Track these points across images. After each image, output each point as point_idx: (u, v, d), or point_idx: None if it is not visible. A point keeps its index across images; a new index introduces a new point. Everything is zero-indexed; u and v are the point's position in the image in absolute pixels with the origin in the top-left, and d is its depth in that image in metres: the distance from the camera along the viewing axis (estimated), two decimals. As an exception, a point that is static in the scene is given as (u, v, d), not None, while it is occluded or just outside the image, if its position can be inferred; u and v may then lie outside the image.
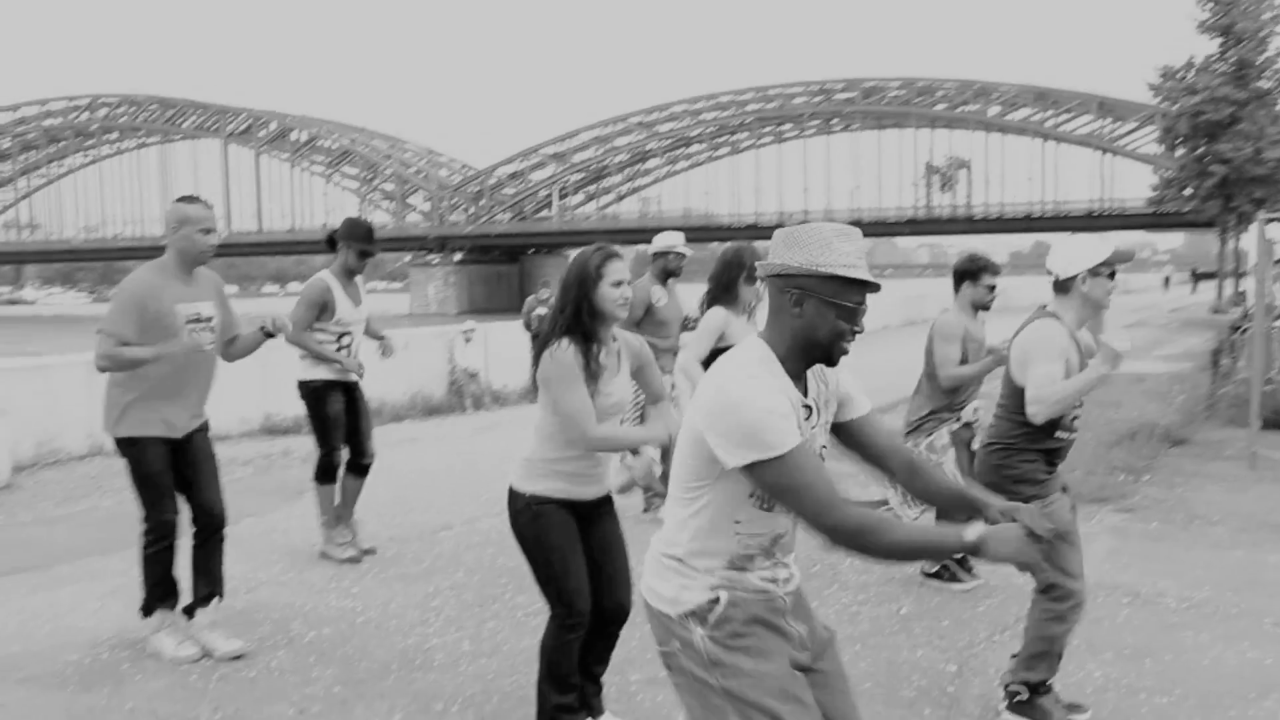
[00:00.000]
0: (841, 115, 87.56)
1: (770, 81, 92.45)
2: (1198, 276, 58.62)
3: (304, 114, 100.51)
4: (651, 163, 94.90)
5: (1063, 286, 4.28)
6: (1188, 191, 39.95)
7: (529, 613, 5.33)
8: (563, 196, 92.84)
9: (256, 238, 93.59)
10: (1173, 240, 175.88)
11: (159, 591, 4.91)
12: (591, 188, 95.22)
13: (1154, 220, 69.21)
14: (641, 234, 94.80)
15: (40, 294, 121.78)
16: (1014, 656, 4.35)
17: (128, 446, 4.83)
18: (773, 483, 2.40)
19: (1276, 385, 11.89)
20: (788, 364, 2.52)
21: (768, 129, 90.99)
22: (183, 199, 4.88)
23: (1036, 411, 4.14)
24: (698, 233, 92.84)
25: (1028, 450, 4.20)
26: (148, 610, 4.92)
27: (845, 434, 2.70)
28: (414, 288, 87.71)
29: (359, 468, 6.58)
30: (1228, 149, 36.92)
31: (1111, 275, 4.25)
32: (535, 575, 3.87)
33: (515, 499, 3.79)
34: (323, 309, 6.30)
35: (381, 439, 11.51)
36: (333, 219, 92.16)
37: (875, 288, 2.48)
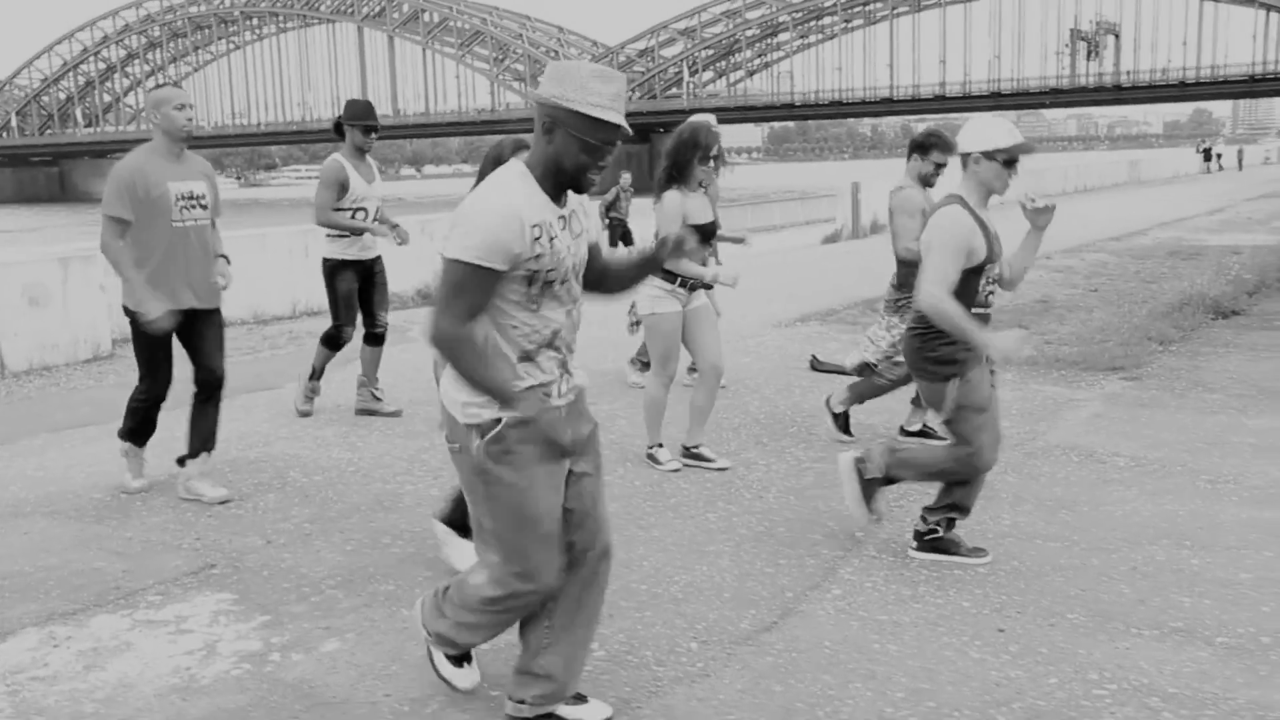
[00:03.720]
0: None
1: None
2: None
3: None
4: (783, 36, 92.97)
5: (962, 162, 4.42)
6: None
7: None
8: (692, 73, 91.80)
9: (392, 120, 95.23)
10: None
11: (134, 433, 5.66)
12: (721, 64, 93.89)
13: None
14: (771, 110, 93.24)
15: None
16: (925, 508, 4.67)
17: (134, 317, 5.43)
18: (443, 272, 2.81)
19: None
20: (544, 184, 2.87)
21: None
22: (156, 87, 5.43)
23: (921, 304, 4.32)
24: (829, 109, 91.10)
25: (946, 333, 4.32)
26: (123, 435, 5.68)
27: None
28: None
29: (373, 336, 7.17)
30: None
31: (1009, 164, 4.29)
32: None
33: None
34: (340, 188, 6.83)
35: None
36: (465, 102, 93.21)
37: (625, 132, 2.81)
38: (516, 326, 2.91)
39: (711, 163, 5.70)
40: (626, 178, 18.16)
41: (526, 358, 2.94)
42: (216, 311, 5.57)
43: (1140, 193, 35.72)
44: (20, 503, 5.51)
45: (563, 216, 2.92)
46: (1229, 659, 3.68)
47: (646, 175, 7.33)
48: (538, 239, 2.82)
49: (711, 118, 7.47)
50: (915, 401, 6.51)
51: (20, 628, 4.05)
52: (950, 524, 4.60)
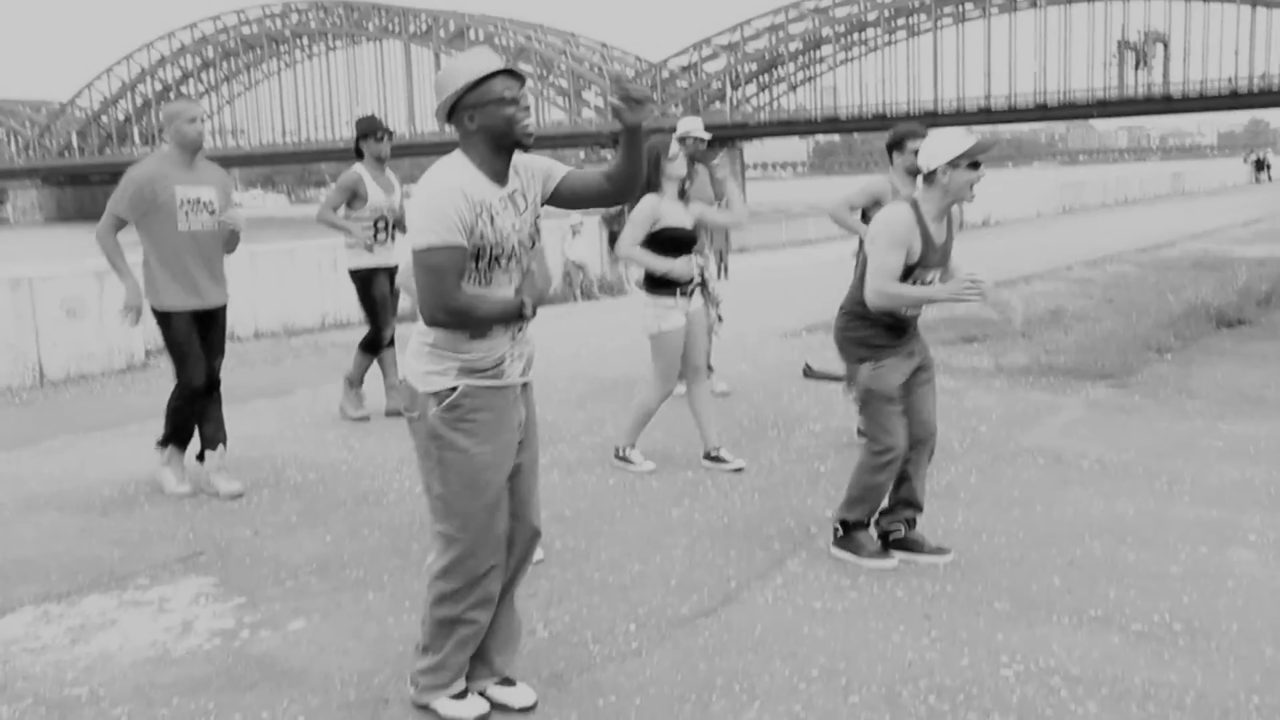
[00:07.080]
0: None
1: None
2: None
3: (481, 12, 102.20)
4: (825, 50, 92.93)
5: (928, 179, 4.62)
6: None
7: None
8: (735, 88, 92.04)
9: (438, 138, 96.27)
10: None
11: (176, 435, 5.93)
12: (764, 78, 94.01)
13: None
14: (814, 125, 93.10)
15: (245, 196, 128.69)
16: (880, 511, 4.87)
17: (161, 317, 5.78)
18: (420, 263, 3.08)
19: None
20: (487, 167, 3.14)
21: (947, 9, 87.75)
22: (173, 99, 5.83)
23: (871, 299, 4.55)
24: (873, 122, 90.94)
25: (867, 318, 4.62)
26: (164, 443, 5.95)
27: (558, 195, 3.34)
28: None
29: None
30: None
31: (973, 166, 4.50)
32: None
33: None
34: (354, 195, 7.22)
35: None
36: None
37: (513, 74, 3.11)
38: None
39: (679, 158, 5.90)
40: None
41: (478, 335, 3.19)
42: (221, 311, 5.90)
43: (1180, 204, 35.49)
44: (35, 497, 5.88)
45: (503, 197, 3.18)
46: (1138, 644, 3.88)
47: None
48: (479, 215, 3.09)
49: (699, 122, 7.76)
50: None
51: (20, 605, 4.39)
52: (910, 524, 4.81)
